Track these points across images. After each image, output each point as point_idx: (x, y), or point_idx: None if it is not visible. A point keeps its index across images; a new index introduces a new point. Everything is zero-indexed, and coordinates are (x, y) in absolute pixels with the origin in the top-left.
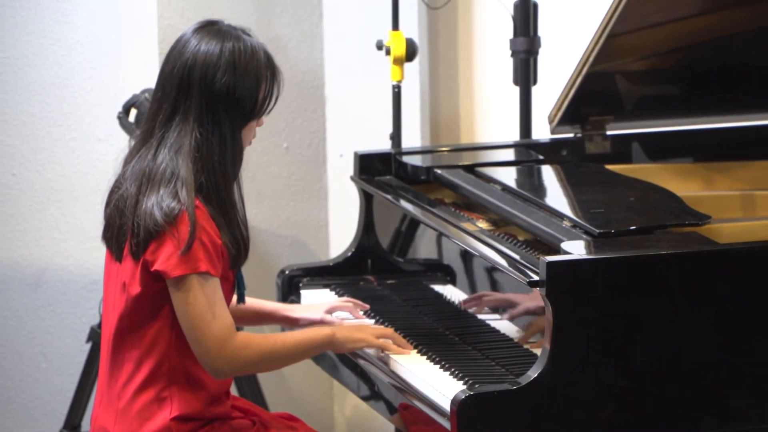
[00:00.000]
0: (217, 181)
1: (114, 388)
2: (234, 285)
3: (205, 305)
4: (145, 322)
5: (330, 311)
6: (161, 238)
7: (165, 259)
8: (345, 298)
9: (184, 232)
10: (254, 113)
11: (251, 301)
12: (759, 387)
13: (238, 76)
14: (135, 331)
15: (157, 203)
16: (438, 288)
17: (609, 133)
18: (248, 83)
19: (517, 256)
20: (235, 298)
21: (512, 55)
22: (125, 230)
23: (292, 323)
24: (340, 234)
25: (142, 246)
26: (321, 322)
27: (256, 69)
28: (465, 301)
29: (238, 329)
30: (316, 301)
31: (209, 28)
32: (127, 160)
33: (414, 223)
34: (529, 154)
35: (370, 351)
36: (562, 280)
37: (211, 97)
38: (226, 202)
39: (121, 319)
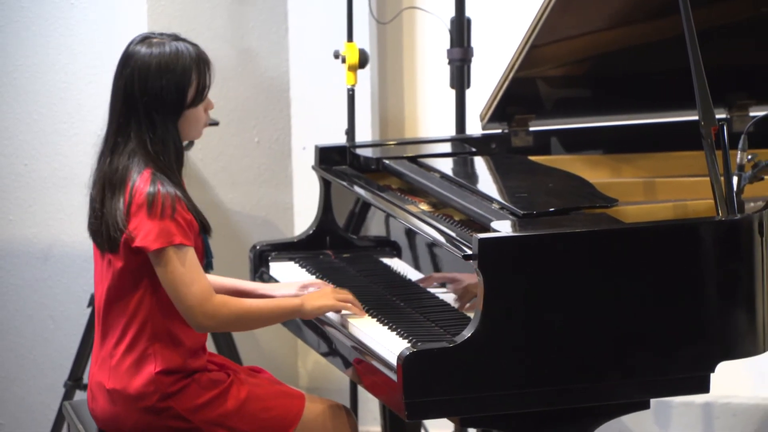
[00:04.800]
0: (167, 173)
1: (106, 349)
2: (203, 254)
3: (183, 271)
4: (128, 292)
5: (303, 288)
6: (137, 221)
7: (144, 235)
8: (321, 282)
9: (159, 212)
10: (188, 103)
11: (232, 281)
12: (657, 345)
13: (169, 76)
14: (120, 300)
15: (117, 206)
16: (386, 261)
17: (531, 129)
18: (177, 79)
19: (453, 234)
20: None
21: (449, 63)
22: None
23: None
24: (303, 215)
25: (113, 243)
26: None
27: (182, 66)
28: (420, 281)
29: None
30: (282, 271)
31: (143, 42)
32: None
33: (366, 206)
34: (464, 147)
35: (330, 314)
36: (491, 254)
37: (150, 102)
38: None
39: (108, 290)
